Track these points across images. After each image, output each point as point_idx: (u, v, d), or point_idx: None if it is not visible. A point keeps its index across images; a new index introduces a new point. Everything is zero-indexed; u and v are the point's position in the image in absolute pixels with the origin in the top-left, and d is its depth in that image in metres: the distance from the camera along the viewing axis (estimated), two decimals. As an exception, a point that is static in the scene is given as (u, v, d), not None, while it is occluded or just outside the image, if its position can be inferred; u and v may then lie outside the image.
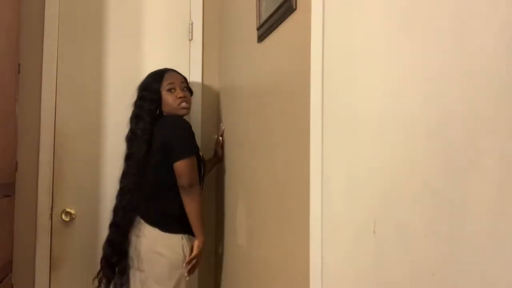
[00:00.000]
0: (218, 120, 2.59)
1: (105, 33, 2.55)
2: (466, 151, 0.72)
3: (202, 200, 2.12)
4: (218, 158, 2.39)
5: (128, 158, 2.18)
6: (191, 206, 2.07)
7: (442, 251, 0.77)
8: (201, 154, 2.24)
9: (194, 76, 2.61)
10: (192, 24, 2.62)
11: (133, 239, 2.10)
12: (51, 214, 2.45)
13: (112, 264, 2.12)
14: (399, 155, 0.90)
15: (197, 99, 2.60)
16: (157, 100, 2.19)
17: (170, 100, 2.18)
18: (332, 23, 1.17)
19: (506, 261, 0.64)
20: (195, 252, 2.07)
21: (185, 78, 2.30)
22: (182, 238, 2.07)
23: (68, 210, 2.44)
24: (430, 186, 0.81)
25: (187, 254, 2.06)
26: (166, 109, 2.20)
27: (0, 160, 2.09)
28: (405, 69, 0.89)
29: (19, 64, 2.39)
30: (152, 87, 2.21)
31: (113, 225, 2.15)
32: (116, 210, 2.16)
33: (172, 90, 2.19)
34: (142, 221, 2.09)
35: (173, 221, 2.08)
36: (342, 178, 1.12)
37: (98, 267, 2.20)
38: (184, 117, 2.24)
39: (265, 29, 1.66)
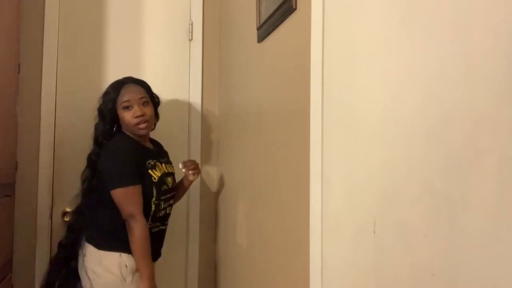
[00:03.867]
0: (219, 120, 2.59)
1: (105, 33, 2.55)
2: (466, 151, 0.72)
3: (143, 232, 1.87)
4: (186, 185, 2.24)
5: (83, 176, 2.11)
6: (131, 240, 1.87)
7: (442, 251, 0.77)
8: (164, 172, 2.04)
9: (194, 76, 2.61)
10: (192, 24, 2.62)
11: (79, 258, 2.02)
12: (51, 214, 2.45)
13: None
14: (399, 154, 0.90)
15: (196, 100, 2.61)
16: (111, 119, 2.02)
17: (126, 118, 1.99)
18: (332, 23, 1.17)
19: (506, 261, 0.64)
20: None
21: (146, 89, 2.07)
22: (120, 256, 1.91)
23: (68, 210, 2.44)
24: (430, 185, 0.81)
25: (127, 275, 1.89)
26: (124, 127, 2.04)
27: (0, 160, 2.09)
28: (405, 69, 0.89)
29: (19, 64, 2.39)
30: (108, 103, 2.02)
31: (59, 245, 2.14)
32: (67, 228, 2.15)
33: (130, 108, 1.99)
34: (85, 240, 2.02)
35: (108, 238, 1.94)
36: (342, 178, 1.12)
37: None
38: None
39: (265, 29, 1.66)
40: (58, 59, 2.49)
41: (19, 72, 2.40)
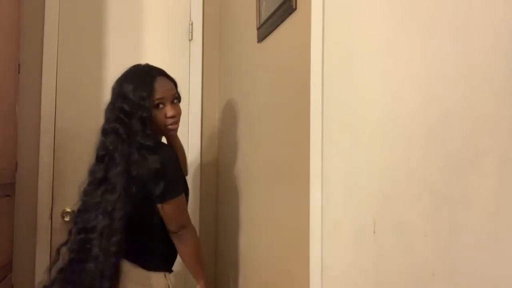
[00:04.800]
0: (219, 120, 2.59)
1: (105, 33, 2.55)
2: (466, 151, 0.72)
3: (197, 239, 1.78)
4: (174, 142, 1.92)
5: (99, 183, 1.70)
6: (185, 251, 1.72)
7: (442, 251, 0.77)
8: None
9: (194, 76, 2.61)
10: (192, 24, 2.62)
11: None
12: (51, 214, 2.45)
13: None
14: (399, 154, 0.90)
15: (197, 100, 2.61)
16: (150, 118, 1.66)
17: (157, 118, 1.68)
18: (332, 23, 1.17)
19: (506, 261, 0.64)
20: None
21: (175, 84, 1.80)
22: (165, 276, 1.73)
23: (68, 210, 2.44)
24: (430, 185, 0.81)
25: None
26: (152, 127, 1.68)
27: (0, 160, 2.09)
28: (405, 69, 0.89)
29: (19, 64, 2.40)
30: (141, 101, 1.64)
31: (97, 273, 1.57)
32: (94, 255, 1.60)
33: (161, 106, 1.69)
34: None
35: (155, 257, 1.72)
36: (342, 178, 1.12)
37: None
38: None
39: (265, 29, 1.66)
40: (58, 59, 2.49)
41: (19, 72, 2.40)
